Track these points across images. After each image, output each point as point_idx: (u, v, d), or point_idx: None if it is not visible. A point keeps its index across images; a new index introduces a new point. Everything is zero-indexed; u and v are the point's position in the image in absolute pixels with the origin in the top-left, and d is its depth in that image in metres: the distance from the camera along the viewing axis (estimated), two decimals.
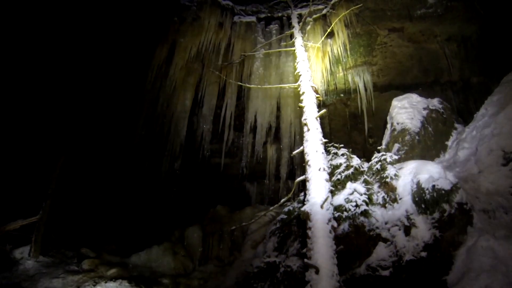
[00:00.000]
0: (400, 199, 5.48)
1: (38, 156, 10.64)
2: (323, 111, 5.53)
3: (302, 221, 5.74)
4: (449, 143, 7.57)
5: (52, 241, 9.83)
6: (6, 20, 9.18)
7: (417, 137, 7.37)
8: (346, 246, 5.18)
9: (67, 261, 9.12)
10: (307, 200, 4.54)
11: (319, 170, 4.71)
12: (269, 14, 10.52)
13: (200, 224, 9.82)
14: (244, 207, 10.12)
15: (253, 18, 10.06)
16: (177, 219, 10.68)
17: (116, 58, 10.05)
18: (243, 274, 7.12)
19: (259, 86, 8.56)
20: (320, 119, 5.78)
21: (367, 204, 5.48)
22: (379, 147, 7.46)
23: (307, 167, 4.89)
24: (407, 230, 5.05)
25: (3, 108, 10.19)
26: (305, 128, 5.39)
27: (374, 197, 5.68)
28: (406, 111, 7.85)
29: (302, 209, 4.49)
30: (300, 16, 9.52)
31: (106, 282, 7.73)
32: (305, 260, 4.14)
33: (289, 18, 10.03)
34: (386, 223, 5.31)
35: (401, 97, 8.27)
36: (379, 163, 6.09)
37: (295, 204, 6.33)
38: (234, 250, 8.96)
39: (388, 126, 8.12)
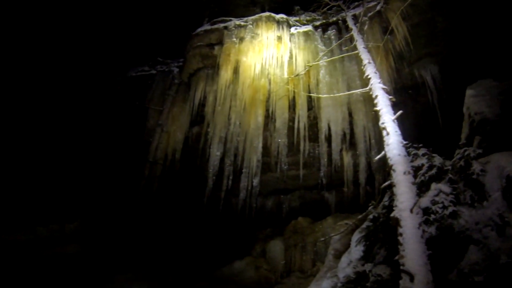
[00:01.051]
0: (489, 196, 5.08)
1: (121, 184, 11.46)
2: (400, 112, 5.38)
3: (389, 227, 5.56)
4: None
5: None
6: None
7: (498, 126, 6.83)
8: (434, 251, 4.89)
9: None
10: (395, 206, 4.42)
11: (404, 173, 4.57)
12: (324, 21, 10.48)
13: (282, 237, 9.88)
14: (324, 216, 10.07)
15: (309, 27, 10.07)
16: (258, 234, 10.87)
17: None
18: (328, 285, 7.01)
19: (330, 95, 8.50)
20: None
21: (454, 205, 5.18)
22: (460, 143, 7.04)
23: (392, 171, 4.76)
24: (500, 230, 4.63)
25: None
26: (384, 132, 5.26)
27: (461, 197, 5.33)
28: (483, 98, 7.20)
29: (392, 215, 4.37)
30: (355, 17, 9.37)
31: None
32: (401, 267, 4.01)
33: (344, 21, 9.90)
34: (476, 224, 4.93)
35: (474, 84, 7.65)
36: (462, 159, 5.73)
37: (380, 210, 6.15)
38: (317, 261, 8.89)
39: (465, 117, 7.54)
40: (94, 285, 8.69)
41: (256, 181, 10.19)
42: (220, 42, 10.23)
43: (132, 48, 13.89)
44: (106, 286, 8.74)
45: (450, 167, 5.86)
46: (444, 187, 5.45)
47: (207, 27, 10.70)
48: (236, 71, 9.98)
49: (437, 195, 5.37)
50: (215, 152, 10.33)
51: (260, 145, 10.07)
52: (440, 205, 5.20)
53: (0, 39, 11.54)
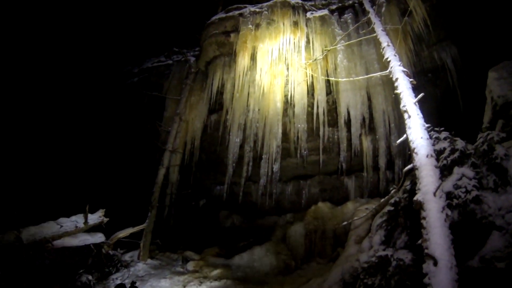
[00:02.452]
0: None
1: (141, 174, 11.66)
2: (421, 95, 5.27)
3: (411, 212, 5.53)
4: None
5: (158, 246, 10.68)
6: None
7: None
8: (456, 237, 4.82)
9: (173, 263, 9.87)
10: (418, 189, 4.36)
11: (427, 156, 4.50)
12: (340, 4, 10.29)
13: (302, 222, 9.90)
14: (344, 201, 10.03)
15: (325, 11, 9.88)
16: (278, 219, 10.93)
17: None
18: (349, 270, 7.01)
19: (349, 79, 8.41)
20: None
21: (477, 189, 5.09)
22: (482, 126, 6.89)
23: (414, 155, 4.70)
24: None
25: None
26: (406, 115, 5.18)
27: (484, 182, 5.24)
28: (506, 81, 7.01)
29: (415, 198, 4.33)
30: (371, 0, 9.18)
31: (211, 282, 8.16)
32: (425, 251, 3.98)
33: (361, 4, 9.67)
34: (499, 209, 4.84)
35: (497, 66, 7.44)
36: (485, 143, 5.61)
37: (401, 195, 6.10)
38: (338, 246, 8.88)
39: (488, 101, 7.36)
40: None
41: (276, 167, 10.25)
42: (236, 30, 10.16)
43: (148, 39, 13.97)
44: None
45: (472, 151, 5.75)
46: (467, 171, 5.35)
47: (222, 15, 10.63)
48: (253, 57, 9.93)
49: (459, 179, 5.28)
50: (235, 139, 10.42)
51: (280, 131, 10.06)
52: (463, 190, 5.12)
53: (20, 35, 11.76)
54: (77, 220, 8.95)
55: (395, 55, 6.28)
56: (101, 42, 13.64)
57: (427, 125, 5.06)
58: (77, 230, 8.79)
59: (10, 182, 10.50)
